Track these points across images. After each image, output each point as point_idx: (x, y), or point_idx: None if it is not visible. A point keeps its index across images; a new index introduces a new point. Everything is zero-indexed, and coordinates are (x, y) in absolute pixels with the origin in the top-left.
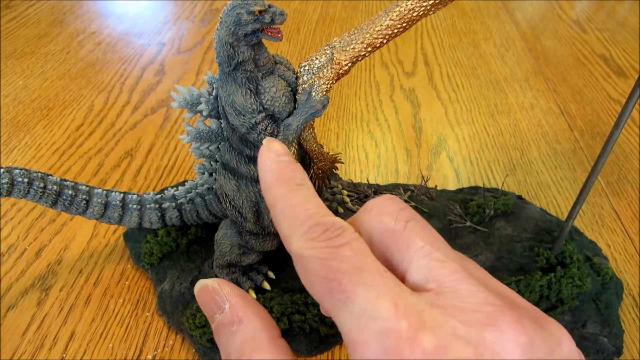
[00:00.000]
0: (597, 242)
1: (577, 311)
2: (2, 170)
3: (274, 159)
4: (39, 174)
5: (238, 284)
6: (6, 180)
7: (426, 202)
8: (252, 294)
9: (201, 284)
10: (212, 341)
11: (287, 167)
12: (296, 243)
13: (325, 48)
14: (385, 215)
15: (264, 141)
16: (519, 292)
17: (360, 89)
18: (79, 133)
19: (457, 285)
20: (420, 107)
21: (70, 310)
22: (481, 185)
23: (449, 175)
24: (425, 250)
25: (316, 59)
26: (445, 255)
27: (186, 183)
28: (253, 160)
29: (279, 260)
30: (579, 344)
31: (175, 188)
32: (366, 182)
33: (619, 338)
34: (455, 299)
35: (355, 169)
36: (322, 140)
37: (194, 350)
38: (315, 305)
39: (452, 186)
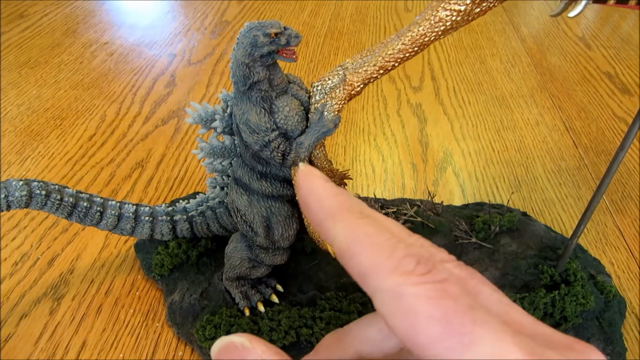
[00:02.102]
0: (601, 259)
1: (580, 329)
2: (20, 182)
3: (327, 187)
4: (56, 187)
5: (247, 296)
6: (25, 192)
7: (432, 217)
8: (261, 307)
9: (224, 342)
10: None
11: (345, 195)
12: (390, 279)
13: (338, 69)
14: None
15: (301, 167)
16: (523, 309)
17: (367, 103)
18: (91, 143)
19: (538, 326)
20: (426, 122)
21: (82, 320)
22: (486, 201)
23: (454, 191)
24: (496, 296)
25: (329, 79)
26: (508, 299)
27: (197, 196)
28: (265, 176)
29: (287, 273)
30: None
31: (186, 201)
32: (373, 197)
33: (621, 356)
34: (547, 340)
35: (362, 183)
36: (330, 154)
37: None
38: (323, 319)
39: (457, 201)
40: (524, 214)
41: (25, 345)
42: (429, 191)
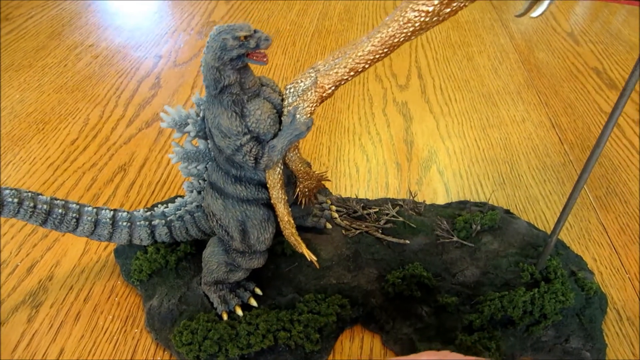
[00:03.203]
0: (584, 256)
1: (560, 326)
2: None
3: None
4: (29, 194)
5: (225, 301)
6: None
7: (414, 217)
8: (239, 311)
9: None
10: (198, 358)
11: None
12: None
13: (310, 71)
14: None
15: None
16: (502, 307)
17: (353, 102)
18: (73, 147)
19: None
20: (412, 120)
21: (60, 327)
22: (470, 199)
23: (438, 189)
24: None
25: (301, 81)
26: None
27: (176, 200)
28: (239, 180)
29: (266, 277)
30: (561, 359)
31: (165, 205)
32: (355, 197)
33: (601, 352)
34: None
35: (345, 184)
36: (314, 154)
37: None
38: (301, 322)
39: (441, 200)
40: (507, 211)
41: (2, 353)
42: (410, 191)
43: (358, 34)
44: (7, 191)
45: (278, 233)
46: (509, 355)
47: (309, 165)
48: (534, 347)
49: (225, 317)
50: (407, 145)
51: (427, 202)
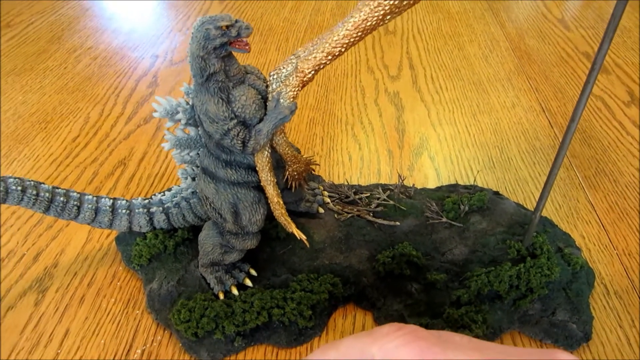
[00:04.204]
0: (572, 234)
1: (547, 299)
2: None
3: None
4: (32, 182)
5: (221, 281)
6: (1, 188)
7: (404, 200)
8: (234, 290)
9: None
10: (196, 335)
11: None
12: None
13: (292, 57)
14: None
15: None
16: (489, 282)
17: (346, 93)
18: (75, 144)
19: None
20: (404, 109)
21: (65, 310)
22: (461, 183)
23: (429, 175)
24: (467, 338)
25: (283, 68)
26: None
27: (172, 188)
28: (229, 164)
29: (261, 259)
30: (548, 331)
31: (162, 193)
32: (346, 184)
33: (588, 324)
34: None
35: (338, 171)
36: (308, 144)
37: (180, 345)
38: (294, 299)
39: (432, 185)
40: (496, 193)
41: (11, 335)
42: (399, 175)
43: None
44: (12, 180)
45: (271, 217)
46: (497, 328)
47: (297, 150)
48: (521, 320)
49: (221, 296)
50: (398, 133)
51: (418, 187)
